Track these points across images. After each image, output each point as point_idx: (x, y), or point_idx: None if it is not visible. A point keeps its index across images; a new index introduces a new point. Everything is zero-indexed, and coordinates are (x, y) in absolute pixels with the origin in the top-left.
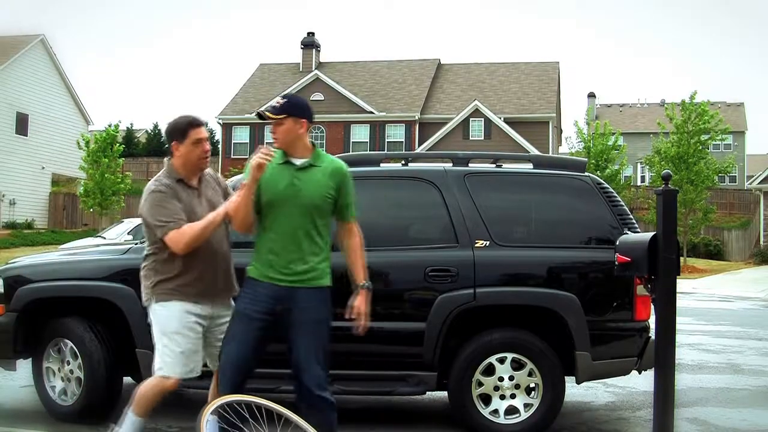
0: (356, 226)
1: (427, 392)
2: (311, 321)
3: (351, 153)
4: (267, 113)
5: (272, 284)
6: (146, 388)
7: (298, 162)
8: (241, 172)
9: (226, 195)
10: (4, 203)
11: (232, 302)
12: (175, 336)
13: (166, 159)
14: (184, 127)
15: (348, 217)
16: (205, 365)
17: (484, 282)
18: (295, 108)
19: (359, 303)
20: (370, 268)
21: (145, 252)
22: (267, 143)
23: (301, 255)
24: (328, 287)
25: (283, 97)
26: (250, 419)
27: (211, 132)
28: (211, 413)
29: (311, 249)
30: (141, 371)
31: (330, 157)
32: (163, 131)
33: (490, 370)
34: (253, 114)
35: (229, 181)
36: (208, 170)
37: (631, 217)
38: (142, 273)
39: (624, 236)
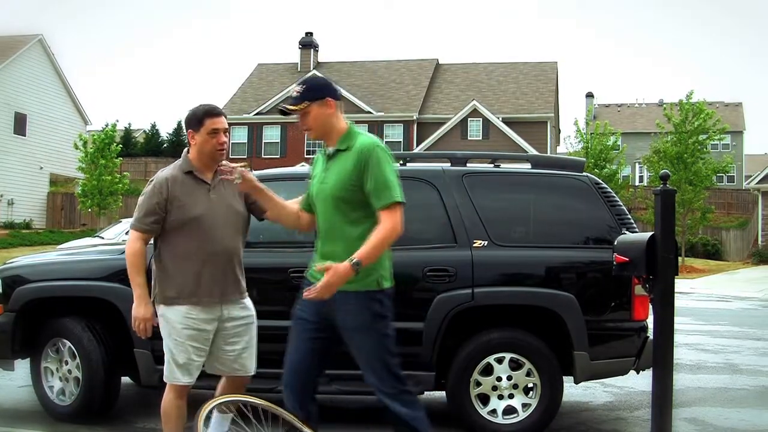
0: (390, 215)
1: (425, 392)
2: (349, 329)
3: None
4: (288, 107)
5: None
6: (163, 404)
7: (331, 150)
8: None
9: (247, 195)
10: (2, 203)
11: (248, 303)
12: (178, 342)
13: (185, 150)
14: (200, 116)
15: (379, 203)
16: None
17: (482, 282)
18: (316, 91)
19: (328, 267)
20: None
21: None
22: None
23: (339, 254)
24: (375, 290)
25: (301, 83)
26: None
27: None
28: (209, 412)
29: (349, 247)
30: (139, 371)
31: (362, 137)
32: (161, 131)
33: (488, 370)
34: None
35: None
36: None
37: (630, 216)
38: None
39: (622, 236)
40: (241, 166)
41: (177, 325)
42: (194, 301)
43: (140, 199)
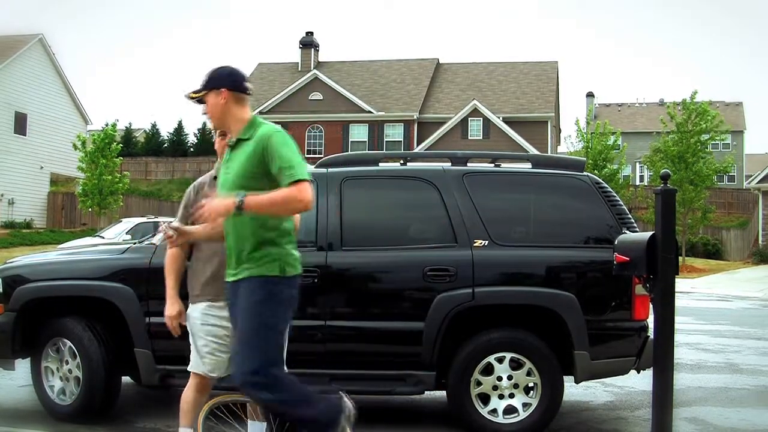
0: (298, 190)
1: (426, 392)
2: (240, 309)
3: (349, 153)
4: (189, 94)
5: (228, 285)
6: (183, 395)
7: (233, 140)
8: None
9: None
10: (3, 203)
11: None
12: (200, 337)
13: None
14: None
15: (284, 182)
16: None
17: (482, 281)
18: (214, 81)
19: (211, 200)
20: (369, 267)
21: None
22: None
23: (242, 247)
24: (275, 276)
25: (207, 72)
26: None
27: (210, 132)
28: (209, 413)
29: (258, 237)
30: (140, 371)
31: (264, 125)
32: (161, 131)
33: (488, 370)
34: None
35: None
36: None
37: (630, 216)
38: None
39: (623, 236)
40: (174, 228)
41: (197, 321)
42: (212, 299)
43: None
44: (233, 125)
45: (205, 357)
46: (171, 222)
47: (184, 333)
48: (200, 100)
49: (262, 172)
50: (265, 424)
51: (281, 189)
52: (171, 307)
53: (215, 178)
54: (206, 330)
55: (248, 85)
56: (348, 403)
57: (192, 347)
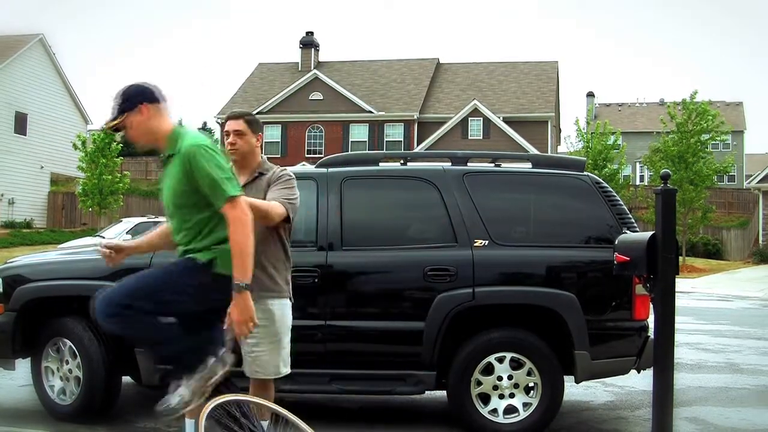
0: (233, 209)
1: (426, 392)
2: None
3: (350, 152)
4: (106, 124)
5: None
6: None
7: (164, 155)
8: None
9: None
10: (3, 203)
11: (271, 303)
12: None
13: None
14: (225, 121)
15: (218, 203)
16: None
17: (483, 281)
18: (127, 100)
19: (231, 309)
20: (370, 266)
21: None
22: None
23: (198, 252)
24: (203, 263)
25: (115, 96)
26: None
27: (210, 131)
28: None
29: (203, 246)
30: (140, 371)
31: (186, 139)
32: None
33: (489, 370)
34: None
35: None
36: (276, 169)
37: (630, 216)
38: None
39: (623, 235)
40: (109, 246)
41: None
42: None
43: None
44: (161, 140)
45: None
46: (108, 241)
47: None
48: (117, 128)
49: (192, 189)
50: (267, 422)
51: (231, 235)
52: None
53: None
54: None
55: (164, 93)
56: (226, 357)
57: None
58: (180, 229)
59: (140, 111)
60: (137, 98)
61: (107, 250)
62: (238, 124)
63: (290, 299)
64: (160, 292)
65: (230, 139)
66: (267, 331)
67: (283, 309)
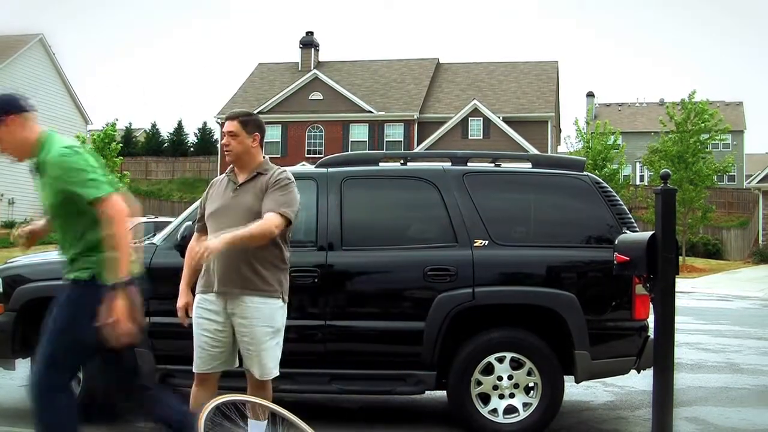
0: (104, 209)
1: (426, 392)
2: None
3: (350, 152)
4: None
5: None
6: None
7: (33, 165)
8: None
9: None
10: (3, 203)
11: (259, 302)
12: (195, 329)
13: None
14: (224, 121)
15: (93, 202)
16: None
17: (483, 281)
18: None
19: (101, 310)
20: (370, 266)
21: None
22: None
23: (80, 260)
24: (87, 280)
25: None
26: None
27: (210, 131)
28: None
29: (88, 253)
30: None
31: (51, 150)
32: (161, 130)
33: (489, 370)
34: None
35: None
36: (275, 171)
37: (630, 216)
38: None
39: (623, 235)
40: (23, 232)
41: (193, 313)
42: (202, 291)
43: None
44: (32, 149)
45: (196, 350)
46: (22, 229)
47: (184, 332)
48: None
49: (67, 196)
50: (266, 422)
51: (108, 229)
52: (179, 299)
53: (231, 172)
54: (198, 323)
55: (30, 101)
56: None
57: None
58: (63, 240)
59: (6, 123)
60: (3, 110)
61: (22, 239)
62: (232, 125)
63: (284, 300)
64: (68, 349)
65: (224, 141)
66: (253, 331)
67: (272, 309)
